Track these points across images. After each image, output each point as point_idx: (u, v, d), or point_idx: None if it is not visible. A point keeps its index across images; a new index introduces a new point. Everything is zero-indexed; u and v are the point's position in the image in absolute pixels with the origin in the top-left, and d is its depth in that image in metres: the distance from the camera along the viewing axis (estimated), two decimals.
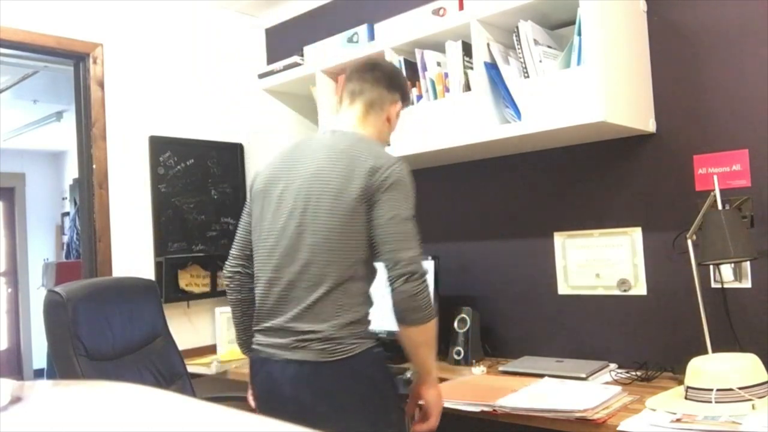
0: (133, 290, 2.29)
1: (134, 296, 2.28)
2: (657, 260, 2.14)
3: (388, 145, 1.95)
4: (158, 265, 2.97)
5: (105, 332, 2.13)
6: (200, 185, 3.17)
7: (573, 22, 2.02)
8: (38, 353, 6.68)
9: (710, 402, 1.61)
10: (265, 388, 1.74)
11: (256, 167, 3.22)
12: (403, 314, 1.63)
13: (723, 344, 1.94)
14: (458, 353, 2.41)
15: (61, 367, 2.03)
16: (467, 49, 2.20)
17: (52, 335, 2.05)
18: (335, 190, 1.67)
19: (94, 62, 2.84)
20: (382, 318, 2.71)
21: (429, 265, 2.54)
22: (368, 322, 1.73)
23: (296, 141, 1.88)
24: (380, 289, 2.64)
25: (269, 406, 1.72)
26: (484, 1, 2.12)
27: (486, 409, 1.83)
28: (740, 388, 1.60)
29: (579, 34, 1.93)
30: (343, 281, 1.67)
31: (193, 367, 2.72)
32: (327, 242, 1.67)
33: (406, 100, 1.94)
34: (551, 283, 2.39)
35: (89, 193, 2.83)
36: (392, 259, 1.62)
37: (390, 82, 1.87)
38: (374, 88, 1.84)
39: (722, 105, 2.01)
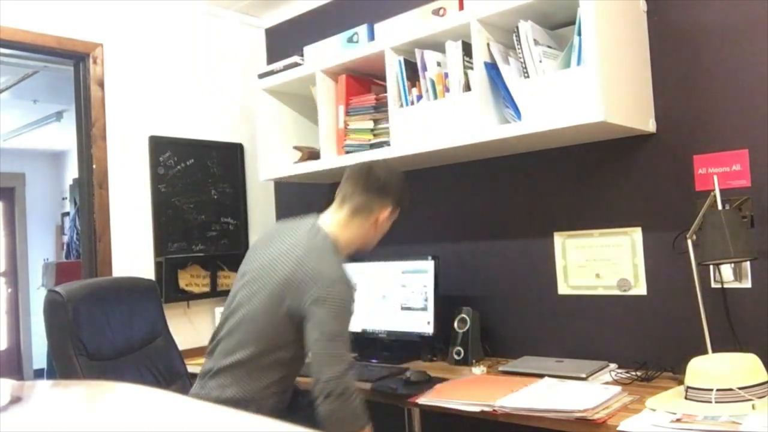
0: (134, 290, 2.29)
1: (134, 296, 2.28)
2: (657, 260, 2.14)
3: (370, 247, 2.07)
4: (158, 265, 2.97)
5: (105, 332, 2.13)
6: (200, 185, 3.17)
7: (573, 22, 2.02)
8: (38, 353, 6.68)
9: (710, 402, 1.61)
10: None
11: (255, 167, 3.22)
12: (326, 427, 1.73)
13: (723, 344, 1.94)
14: (458, 353, 2.41)
15: (61, 367, 2.03)
16: (467, 49, 2.20)
17: (52, 335, 2.05)
18: (270, 289, 1.82)
19: (94, 62, 2.84)
20: (381, 318, 2.72)
21: (429, 265, 2.54)
22: (245, 407, 1.82)
23: (290, 220, 2.03)
24: (375, 293, 2.64)
25: None
26: (484, 1, 2.12)
27: (486, 409, 1.83)
28: (740, 388, 1.60)
29: (579, 34, 1.93)
30: (239, 369, 1.82)
31: (193, 367, 2.72)
32: (244, 330, 1.85)
33: (399, 206, 2.01)
34: (551, 283, 2.39)
35: (89, 193, 2.83)
36: (315, 377, 1.73)
37: (382, 189, 1.96)
38: (364, 194, 1.94)
39: (722, 105, 2.01)
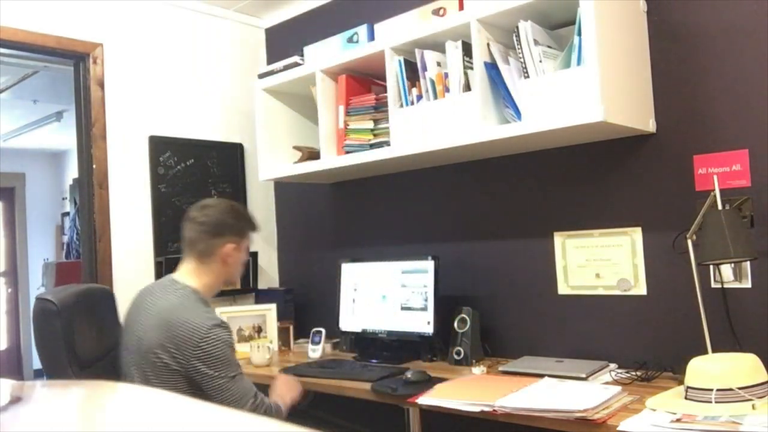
0: (99, 298, 2.22)
1: (100, 304, 2.21)
2: (657, 260, 2.14)
3: (235, 280, 2.14)
4: (158, 265, 2.97)
5: (89, 340, 2.06)
6: (200, 185, 3.17)
7: (573, 22, 2.02)
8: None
9: (710, 402, 1.61)
10: None
11: (255, 167, 3.22)
12: None
13: (723, 344, 1.94)
14: (458, 353, 2.41)
15: (55, 377, 1.99)
16: (467, 49, 2.20)
17: (44, 344, 1.97)
18: (150, 360, 1.84)
19: (94, 62, 2.84)
20: (381, 318, 2.72)
21: (429, 265, 2.54)
22: None
23: (151, 285, 2.09)
24: (375, 293, 2.63)
25: None
26: (484, 1, 2.12)
27: (486, 409, 1.83)
28: (740, 388, 1.60)
29: (579, 34, 1.93)
30: None
31: None
32: None
33: (243, 236, 2.04)
34: (551, 283, 2.39)
35: (89, 193, 2.83)
36: None
37: (215, 228, 1.99)
38: (201, 239, 1.98)
39: (722, 105, 2.01)
